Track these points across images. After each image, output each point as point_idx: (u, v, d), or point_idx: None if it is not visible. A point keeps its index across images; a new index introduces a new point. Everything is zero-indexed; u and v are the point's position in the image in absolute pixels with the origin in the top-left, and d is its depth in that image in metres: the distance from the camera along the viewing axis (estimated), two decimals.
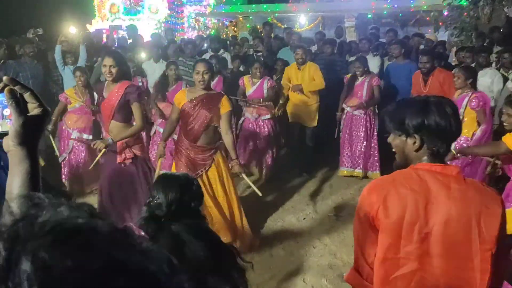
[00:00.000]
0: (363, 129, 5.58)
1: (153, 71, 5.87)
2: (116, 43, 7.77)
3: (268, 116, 5.58)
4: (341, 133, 5.78)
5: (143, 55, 6.20)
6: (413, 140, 1.53)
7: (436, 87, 5.03)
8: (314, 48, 7.51)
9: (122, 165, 3.77)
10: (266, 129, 5.56)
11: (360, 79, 5.54)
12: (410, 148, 1.55)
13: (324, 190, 5.43)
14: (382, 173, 5.34)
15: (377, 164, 5.61)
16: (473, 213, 1.45)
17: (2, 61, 5.57)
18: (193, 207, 1.91)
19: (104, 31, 9.16)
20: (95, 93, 4.68)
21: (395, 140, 1.60)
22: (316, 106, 5.67)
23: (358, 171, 5.67)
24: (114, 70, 3.54)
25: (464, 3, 7.82)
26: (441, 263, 1.49)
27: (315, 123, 5.70)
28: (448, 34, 8.83)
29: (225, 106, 3.71)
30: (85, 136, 5.23)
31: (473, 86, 4.33)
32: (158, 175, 2.98)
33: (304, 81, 5.51)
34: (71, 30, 7.20)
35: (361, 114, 5.57)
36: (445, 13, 8.81)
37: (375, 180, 1.67)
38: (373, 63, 6.34)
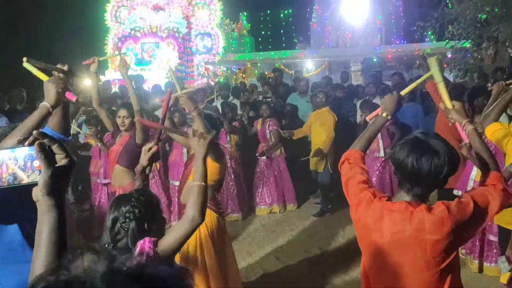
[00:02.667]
0: (378, 174, 5.58)
1: None
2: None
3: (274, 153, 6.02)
4: None
5: (156, 101, 6.21)
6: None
7: (441, 128, 5.03)
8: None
9: None
10: (278, 166, 6.04)
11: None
12: None
13: (338, 234, 5.40)
14: None
15: None
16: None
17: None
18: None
19: (112, 81, 9.45)
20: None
21: None
22: (325, 151, 5.79)
23: None
24: (127, 121, 3.89)
25: (468, 45, 8.02)
26: None
27: (321, 168, 5.86)
28: (453, 75, 9.00)
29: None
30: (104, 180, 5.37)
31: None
32: None
33: (315, 126, 5.90)
34: (86, 82, 7.42)
35: (376, 156, 5.59)
36: (449, 55, 9.01)
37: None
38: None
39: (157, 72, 11.76)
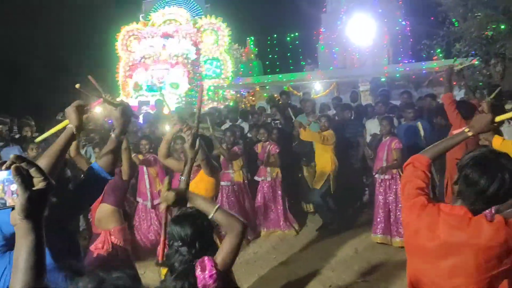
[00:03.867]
0: (392, 193, 5.50)
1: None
2: (142, 119, 8.17)
3: (266, 178, 6.12)
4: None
5: (167, 127, 6.49)
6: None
7: None
8: (331, 112, 7.82)
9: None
10: (270, 189, 6.10)
11: (384, 139, 5.66)
12: None
13: (350, 255, 5.36)
14: None
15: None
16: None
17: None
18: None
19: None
20: None
21: None
22: (324, 169, 6.00)
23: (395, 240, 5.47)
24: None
25: (476, 63, 8.03)
26: None
27: (318, 186, 6.05)
28: (464, 93, 9.00)
29: None
30: None
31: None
32: None
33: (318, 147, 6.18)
34: (97, 109, 7.60)
35: (386, 177, 5.53)
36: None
37: None
38: None
39: (167, 97, 11.62)
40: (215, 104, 12.15)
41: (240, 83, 13.05)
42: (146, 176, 5.61)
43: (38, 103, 12.21)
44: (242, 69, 13.91)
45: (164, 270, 2.27)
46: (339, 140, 6.20)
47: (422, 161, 1.98)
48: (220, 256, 1.88)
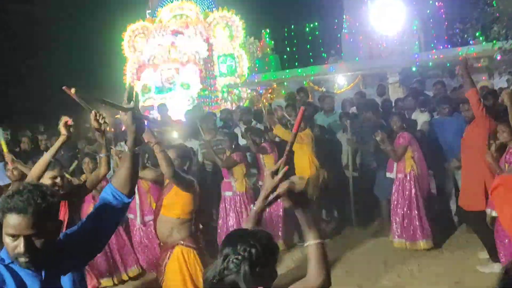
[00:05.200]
0: (407, 192, 5.55)
1: None
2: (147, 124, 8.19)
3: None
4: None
5: (174, 134, 6.48)
6: None
7: (470, 136, 5.01)
8: (353, 109, 7.56)
9: None
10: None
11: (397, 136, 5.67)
12: None
13: (378, 268, 5.20)
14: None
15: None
16: None
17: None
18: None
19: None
20: None
21: None
22: (303, 174, 5.86)
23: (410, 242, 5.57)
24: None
25: None
26: None
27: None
28: (505, 79, 8.66)
29: None
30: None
31: None
32: None
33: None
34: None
35: (399, 175, 5.59)
36: (498, 57, 8.69)
37: None
38: (422, 119, 6.47)
39: (178, 99, 11.98)
40: (227, 105, 12.12)
41: (256, 80, 12.95)
42: (135, 190, 5.57)
43: (37, 107, 12.43)
44: (257, 65, 13.83)
45: None
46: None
47: None
48: None
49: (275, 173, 1.80)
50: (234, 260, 1.71)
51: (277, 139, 6.43)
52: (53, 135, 6.48)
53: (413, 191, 5.50)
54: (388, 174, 5.77)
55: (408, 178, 5.55)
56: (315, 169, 5.98)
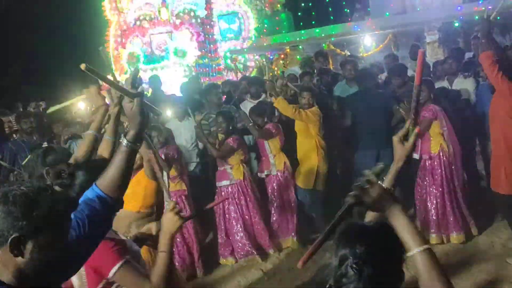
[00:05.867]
0: (437, 177, 5.35)
1: (179, 132, 6.17)
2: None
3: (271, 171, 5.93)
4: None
5: (168, 112, 6.39)
6: None
7: (493, 109, 4.89)
8: (383, 75, 7.35)
9: None
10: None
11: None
12: None
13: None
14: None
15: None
16: None
17: None
18: None
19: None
20: None
21: None
22: (309, 160, 5.78)
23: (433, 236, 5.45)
24: None
25: None
26: None
27: (304, 185, 5.82)
28: None
29: None
30: None
31: None
32: None
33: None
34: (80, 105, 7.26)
35: (424, 156, 5.42)
36: None
37: None
38: (467, 86, 6.38)
39: (172, 69, 11.72)
40: (230, 76, 11.86)
41: (265, 44, 12.50)
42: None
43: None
44: (266, 25, 13.24)
45: None
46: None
47: None
48: None
49: (405, 138, 1.82)
50: (354, 266, 1.65)
51: (283, 118, 6.14)
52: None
53: (444, 174, 5.31)
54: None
55: (437, 160, 5.34)
56: (323, 154, 5.81)
